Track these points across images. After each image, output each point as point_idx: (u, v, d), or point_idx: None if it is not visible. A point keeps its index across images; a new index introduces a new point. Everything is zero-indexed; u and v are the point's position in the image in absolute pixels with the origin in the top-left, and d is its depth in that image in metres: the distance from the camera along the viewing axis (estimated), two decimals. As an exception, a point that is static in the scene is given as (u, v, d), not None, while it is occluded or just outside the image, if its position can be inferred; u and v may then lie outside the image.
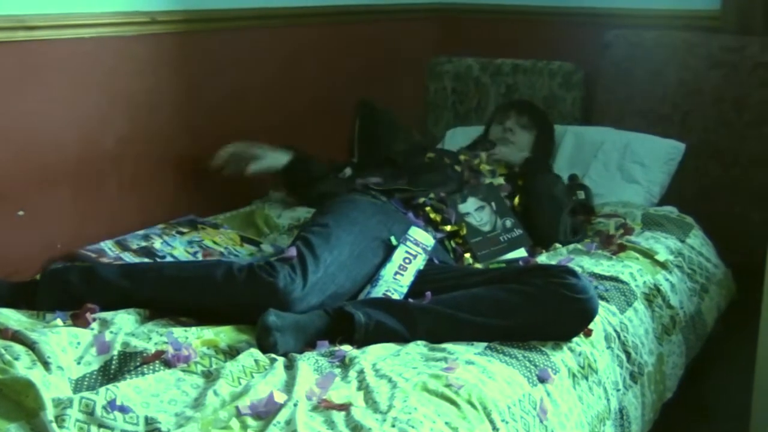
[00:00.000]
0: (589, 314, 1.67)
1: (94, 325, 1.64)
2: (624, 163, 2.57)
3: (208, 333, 1.61)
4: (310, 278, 1.72)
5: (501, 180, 2.23)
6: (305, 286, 1.71)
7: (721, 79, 2.49)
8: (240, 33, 2.49)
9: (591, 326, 1.70)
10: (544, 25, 2.86)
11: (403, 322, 1.64)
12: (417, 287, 1.80)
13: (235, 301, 1.71)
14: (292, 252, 1.79)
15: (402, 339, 1.63)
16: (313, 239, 1.83)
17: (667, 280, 2.06)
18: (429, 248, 1.89)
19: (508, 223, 2.08)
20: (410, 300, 1.75)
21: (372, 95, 2.86)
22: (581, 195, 2.25)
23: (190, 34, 2.34)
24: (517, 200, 2.23)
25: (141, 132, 2.26)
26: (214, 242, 2.13)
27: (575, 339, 1.68)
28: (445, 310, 1.67)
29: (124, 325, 1.64)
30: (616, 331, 1.79)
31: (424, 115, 3.02)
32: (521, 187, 2.26)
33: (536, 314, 1.64)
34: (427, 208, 2.05)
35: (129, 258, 2.00)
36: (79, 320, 1.64)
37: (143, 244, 2.11)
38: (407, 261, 1.85)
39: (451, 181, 2.19)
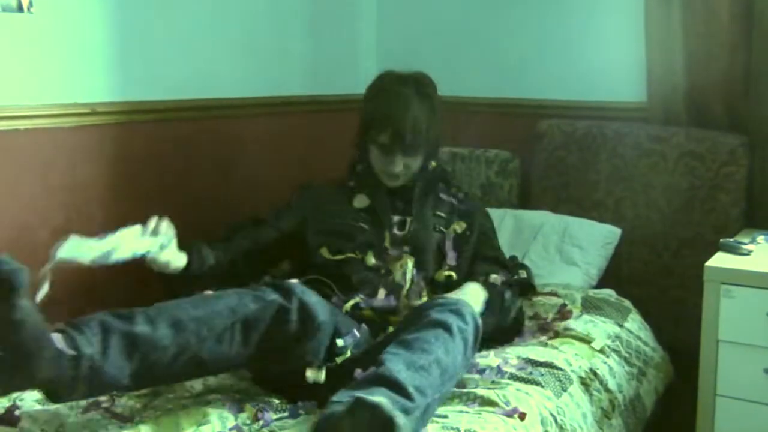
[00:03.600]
0: None
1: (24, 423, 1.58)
2: (563, 246, 2.62)
3: (146, 429, 1.57)
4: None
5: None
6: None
7: (649, 167, 2.58)
8: (181, 124, 2.51)
9: (525, 410, 1.71)
10: (481, 116, 2.94)
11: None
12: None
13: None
14: None
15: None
16: None
17: (604, 363, 2.08)
18: None
19: None
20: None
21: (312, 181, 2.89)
22: (523, 274, 2.27)
23: (130, 125, 2.35)
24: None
25: (77, 223, 2.23)
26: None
27: (512, 423, 1.67)
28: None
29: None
30: (552, 414, 1.79)
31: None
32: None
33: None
34: (366, 312, 2.01)
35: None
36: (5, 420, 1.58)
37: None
38: None
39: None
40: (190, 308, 1.61)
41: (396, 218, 2.19)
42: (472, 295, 2.03)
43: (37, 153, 2.13)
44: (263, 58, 2.77)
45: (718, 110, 2.55)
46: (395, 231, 2.17)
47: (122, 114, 2.32)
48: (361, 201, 2.21)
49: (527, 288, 2.28)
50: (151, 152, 2.43)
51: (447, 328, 1.67)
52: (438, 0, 3.09)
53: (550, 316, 2.25)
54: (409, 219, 2.19)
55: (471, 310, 1.77)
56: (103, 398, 1.70)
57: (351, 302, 2.00)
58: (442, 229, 2.20)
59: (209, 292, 1.74)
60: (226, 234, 2.17)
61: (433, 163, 2.27)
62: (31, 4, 2.07)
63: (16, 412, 1.60)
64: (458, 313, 1.72)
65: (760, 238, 2.32)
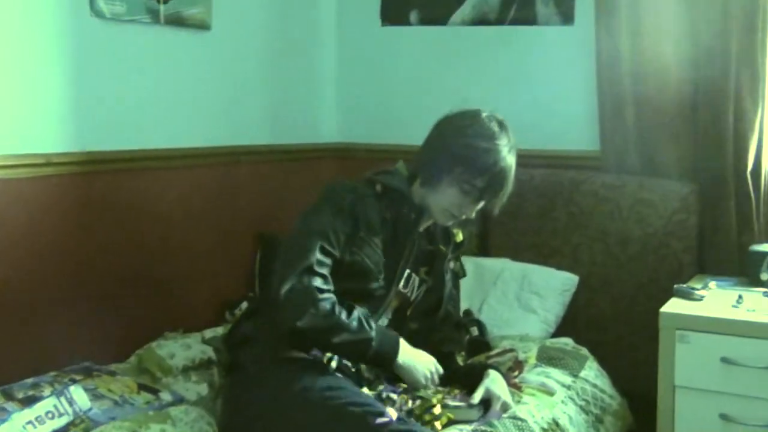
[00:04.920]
0: None
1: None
2: (522, 293, 2.63)
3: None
4: None
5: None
6: None
7: (605, 214, 2.63)
8: (137, 173, 2.49)
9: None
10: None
11: None
12: None
13: None
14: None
15: None
16: None
17: (564, 413, 2.08)
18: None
19: None
20: None
21: (272, 230, 2.88)
22: (474, 331, 2.26)
23: (86, 175, 2.33)
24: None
25: (29, 275, 2.19)
26: (110, 390, 2.04)
27: None
28: None
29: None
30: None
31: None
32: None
33: None
34: None
35: (12, 408, 1.89)
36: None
37: (30, 393, 1.99)
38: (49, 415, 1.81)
39: None
40: None
41: (406, 272, 2.04)
42: (504, 390, 2.00)
43: (-11, 205, 2.10)
44: (220, 108, 2.77)
45: (668, 159, 2.62)
46: (401, 288, 2.03)
47: (78, 164, 2.30)
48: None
49: (480, 346, 2.27)
50: (109, 202, 2.40)
51: None
52: (396, 54, 3.14)
53: (505, 369, 2.22)
54: (415, 277, 2.05)
55: None
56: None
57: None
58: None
59: None
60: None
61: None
62: (-16, 54, 2.06)
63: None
64: None
65: (712, 284, 2.36)
